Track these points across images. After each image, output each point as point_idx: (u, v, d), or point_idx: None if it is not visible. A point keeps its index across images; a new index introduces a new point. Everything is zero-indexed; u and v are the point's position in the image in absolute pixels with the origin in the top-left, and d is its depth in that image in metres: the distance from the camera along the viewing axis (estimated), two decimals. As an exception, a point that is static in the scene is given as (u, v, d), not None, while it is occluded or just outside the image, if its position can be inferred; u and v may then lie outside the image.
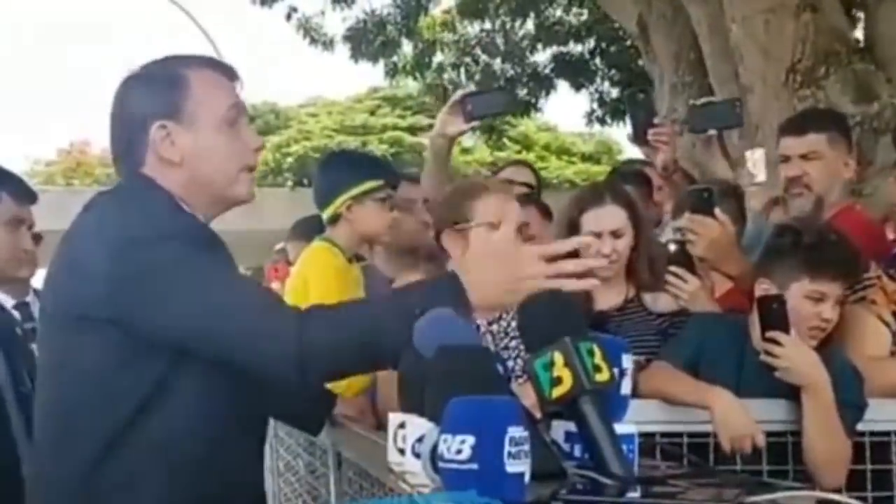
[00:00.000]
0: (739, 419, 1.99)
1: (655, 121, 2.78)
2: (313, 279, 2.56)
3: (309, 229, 3.25)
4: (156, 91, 1.55)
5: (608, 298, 2.38)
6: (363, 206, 2.55)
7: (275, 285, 5.08)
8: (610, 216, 2.34)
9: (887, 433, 2.08)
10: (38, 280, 2.63)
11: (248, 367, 1.45)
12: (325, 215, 2.63)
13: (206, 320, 1.43)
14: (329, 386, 2.34)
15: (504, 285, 1.42)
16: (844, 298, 2.19)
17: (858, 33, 5.45)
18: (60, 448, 1.52)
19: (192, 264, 1.45)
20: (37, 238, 2.59)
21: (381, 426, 1.81)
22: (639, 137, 2.76)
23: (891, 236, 2.56)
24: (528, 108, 9.93)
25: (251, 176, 1.62)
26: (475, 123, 2.50)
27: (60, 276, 1.54)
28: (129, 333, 1.45)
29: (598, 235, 2.33)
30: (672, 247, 2.44)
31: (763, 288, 2.12)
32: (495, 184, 2.38)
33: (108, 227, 1.49)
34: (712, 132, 2.71)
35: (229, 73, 1.60)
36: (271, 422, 2.38)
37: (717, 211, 2.39)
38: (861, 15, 5.66)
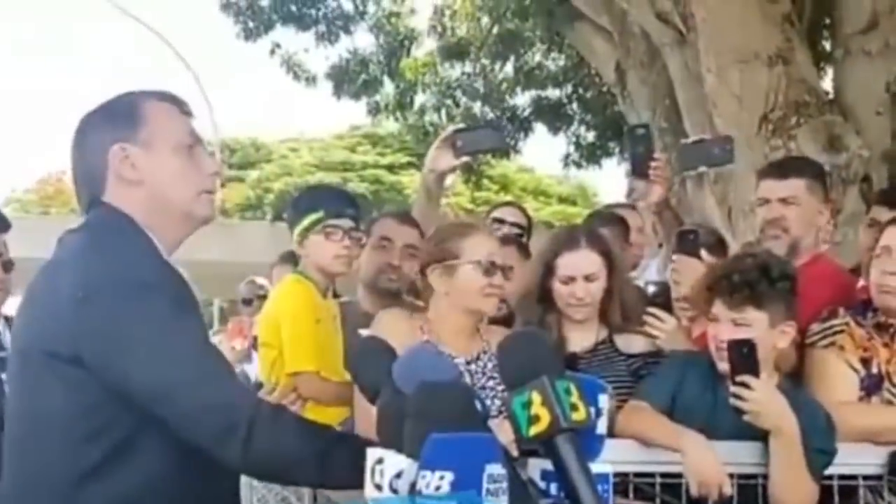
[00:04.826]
0: (709, 466, 2.02)
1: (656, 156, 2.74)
2: (283, 314, 2.58)
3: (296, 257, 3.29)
4: (113, 119, 1.59)
5: (581, 340, 2.41)
6: (309, 239, 2.60)
7: (237, 342, 5.09)
8: (584, 260, 2.38)
9: (854, 477, 2.12)
10: (9, 307, 2.63)
11: (193, 441, 1.45)
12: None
13: (161, 384, 1.44)
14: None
15: None
16: (810, 343, 2.25)
17: (827, 86, 5.62)
18: (25, 490, 1.51)
19: (155, 321, 1.45)
20: (7, 265, 2.58)
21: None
22: (638, 171, 2.76)
23: (861, 283, 2.61)
24: (509, 150, 10.07)
25: (210, 197, 1.65)
26: (465, 159, 2.52)
27: (31, 312, 1.55)
28: (92, 376, 1.44)
29: (573, 279, 2.37)
30: (651, 288, 2.47)
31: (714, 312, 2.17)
32: (483, 223, 2.41)
33: (77, 267, 1.50)
34: (703, 170, 2.72)
35: (183, 107, 1.64)
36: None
37: (703, 252, 2.43)
38: (829, 69, 5.83)
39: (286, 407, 1.61)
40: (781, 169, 2.73)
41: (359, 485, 1.29)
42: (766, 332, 2.12)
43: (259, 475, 1.72)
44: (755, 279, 2.13)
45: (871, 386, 2.26)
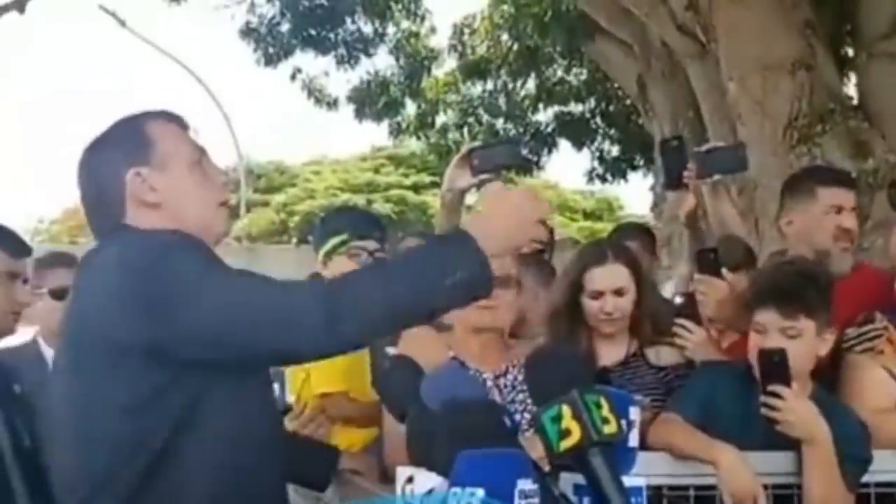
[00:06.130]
0: (743, 477, 1.99)
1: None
2: None
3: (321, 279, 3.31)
4: (123, 145, 1.61)
5: (612, 354, 2.39)
6: (333, 261, 2.61)
7: None
8: (612, 275, 2.36)
9: (892, 484, 2.08)
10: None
11: (281, 342, 1.45)
12: None
13: (235, 308, 1.44)
14: (334, 440, 2.35)
15: (506, 230, 1.51)
16: (847, 347, 2.21)
17: (851, 91, 5.57)
18: (92, 482, 1.51)
19: (207, 267, 1.47)
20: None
21: (387, 479, 1.81)
22: (672, 183, 2.73)
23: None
24: (530, 165, 10.08)
25: (225, 211, 1.68)
26: (484, 176, 2.52)
27: (84, 310, 1.55)
28: (160, 356, 1.45)
29: (601, 294, 2.36)
30: (678, 299, 2.45)
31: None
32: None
33: (121, 258, 1.51)
34: (717, 178, 2.69)
35: (181, 122, 1.67)
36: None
37: (724, 271, 2.40)
38: (853, 74, 5.79)
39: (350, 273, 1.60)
40: (847, 179, 2.72)
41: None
42: (813, 341, 2.10)
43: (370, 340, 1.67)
44: (805, 288, 2.10)
45: (911, 390, 2.23)
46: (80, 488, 1.54)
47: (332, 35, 9.40)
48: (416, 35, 9.82)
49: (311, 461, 2.09)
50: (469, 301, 1.50)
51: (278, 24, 9.33)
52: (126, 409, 1.48)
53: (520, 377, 2.15)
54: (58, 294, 2.72)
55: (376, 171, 21.63)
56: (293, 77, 9.69)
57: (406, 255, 1.59)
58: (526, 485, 1.15)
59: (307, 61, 9.64)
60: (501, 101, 9.94)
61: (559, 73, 9.83)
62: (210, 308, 1.44)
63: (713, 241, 2.73)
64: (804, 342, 2.08)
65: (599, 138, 10.15)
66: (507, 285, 2.15)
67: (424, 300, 1.47)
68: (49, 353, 2.68)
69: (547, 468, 1.32)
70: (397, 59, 9.79)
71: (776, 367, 2.03)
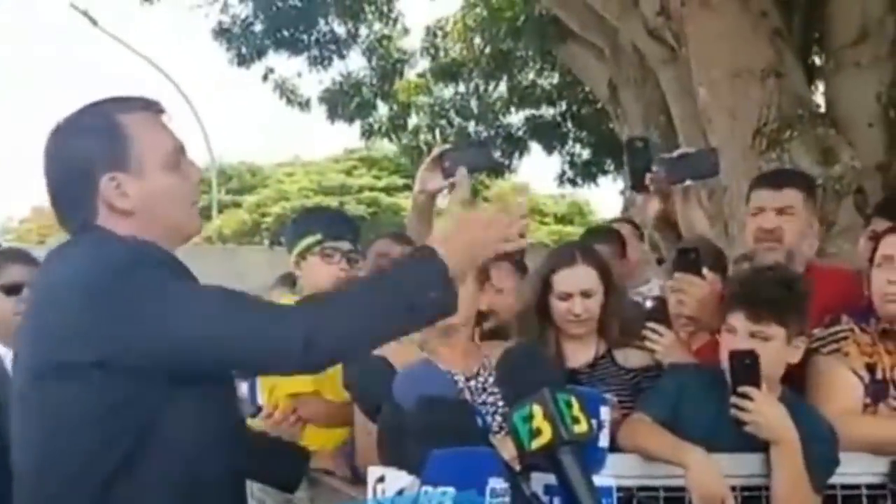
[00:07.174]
0: (712, 480, 2.00)
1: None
2: None
3: (294, 280, 3.29)
4: (96, 143, 1.53)
5: (580, 356, 2.41)
6: (306, 262, 2.61)
7: None
8: (581, 277, 2.38)
9: (857, 486, 2.11)
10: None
11: (255, 360, 1.45)
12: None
13: (205, 327, 1.43)
14: (306, 440, 2.33)
15: (471, 248, 1.54)
16: (813, 349, 2.24)
17: (819, 99, 5.66)
18: (49, 495, 1.49)
19: (168, 283, 1.45)
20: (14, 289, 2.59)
21: (358, 479, 1.81)
22: (637, 184, 2.74)
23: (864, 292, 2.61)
24: (501, 168, 10.13)
25: (197, 209, 1.65)
26: (454, 179, 2.52)
27: (36, 327, 1.52)
28: (115, 373, 1.42)
29: (570, 295, 2.37)
30: (649, 302, 2.47)
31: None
32: None
33: (76, 271, 1.48)
34: (689, 183, 2.72)
35: (156, 108, 1.60)
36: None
37: (705, 270, 2.43)
38: (820, 82, 5.89)
39: (324, 295, 1.62)
40: (777, 179, 2.72)
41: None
42: (783, 347, 2.12)
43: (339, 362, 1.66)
44: (780, 295, 2.12)
45: (877, 393, 2.25)
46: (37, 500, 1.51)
47: (304, 36, 9.37)
48: (389, 37, 9.82)
49: (281, 463, 2.08)
50: (436, 321, 1.54)
51: (251, 24, 9.28)
52: (84, 421, 1.45)
53: (490, 379, 2.15)
54: (9, 290, 2.69)
55: (349, 173, 21.59)
56: (265, 77, 9.65)
57: (380, 275, 1.60)
58: (497, 484, 1.15)
59: (280, 62, 9.62)
60: (473, 103, 9.97)
61: (531, 76, 9.88)
62: (179, 321, 1.42)
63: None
64: (773, 347, 2.10)
65: (570, 142, 10.22)
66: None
67: (397, 321, 1.49)
68: (1, 348, 2.64)
69: (518, 468, 1.32)
70: (370, 61, 9.78)
71: (746, 368, 2.05)
